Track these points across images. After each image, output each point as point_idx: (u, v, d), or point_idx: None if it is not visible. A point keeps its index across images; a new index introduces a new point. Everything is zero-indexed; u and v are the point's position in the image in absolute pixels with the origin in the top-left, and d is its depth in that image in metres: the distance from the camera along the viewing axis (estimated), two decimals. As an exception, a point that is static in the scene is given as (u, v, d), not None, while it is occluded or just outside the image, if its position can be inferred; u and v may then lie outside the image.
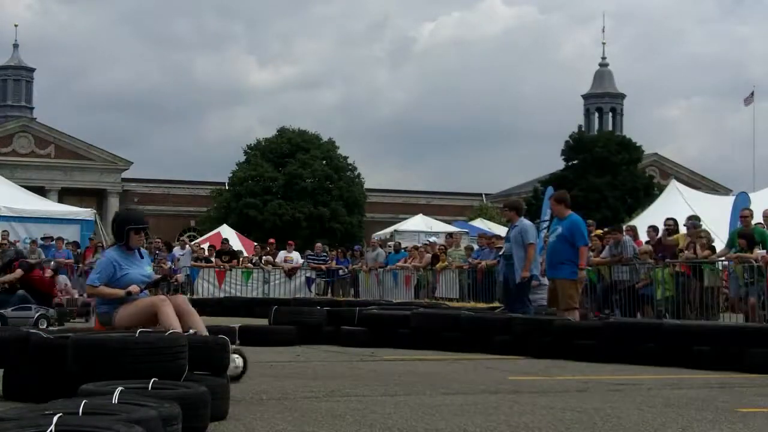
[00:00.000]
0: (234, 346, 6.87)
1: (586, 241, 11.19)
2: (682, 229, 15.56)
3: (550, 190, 22.05)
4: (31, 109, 59.31)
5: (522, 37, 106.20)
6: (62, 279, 18.06)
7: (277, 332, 11.11)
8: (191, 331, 6.44)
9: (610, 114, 63.34)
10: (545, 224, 16.21)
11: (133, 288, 7.02)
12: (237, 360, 6.74)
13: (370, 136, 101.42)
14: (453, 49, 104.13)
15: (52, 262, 19.01)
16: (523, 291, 11.38)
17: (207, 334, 6.78)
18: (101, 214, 41.87)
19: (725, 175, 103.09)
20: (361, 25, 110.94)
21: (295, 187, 48.96)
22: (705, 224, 16.16)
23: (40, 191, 41.88)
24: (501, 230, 23.13)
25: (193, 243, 27.27)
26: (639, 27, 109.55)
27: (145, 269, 7.31)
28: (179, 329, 6.50)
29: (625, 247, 15.02)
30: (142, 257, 7.35)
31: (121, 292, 6.99)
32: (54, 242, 22.27)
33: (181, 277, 6.43)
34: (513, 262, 11.35)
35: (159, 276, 7.67)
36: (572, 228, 10.94)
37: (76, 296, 17.13)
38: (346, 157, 52.89)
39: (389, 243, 25.26)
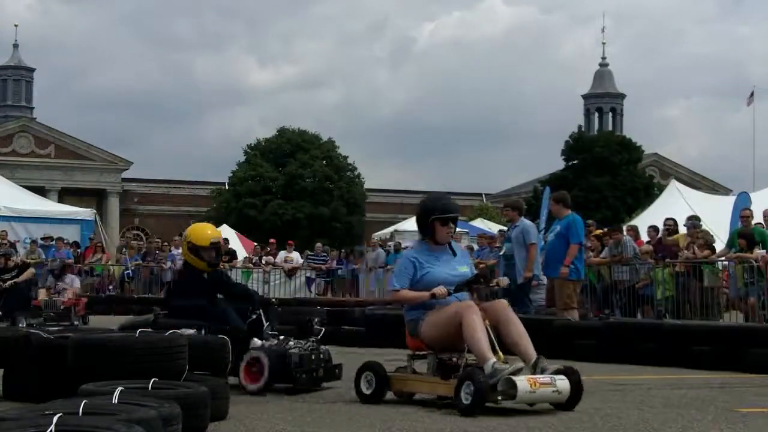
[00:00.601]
0: (558, 365, 5.63)
1: (579, 240, 11.09)
2: (682, 229, 15.57)
3: (547, 191, 22.06)
4: (31, 109, 59.21)
5: (522, 37, 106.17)
6: (69, 279, 17.62)
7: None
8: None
9: (610, 114, 63.26)
10: (543, 227, 16.19)
11: (438, 290, 5.80)
12: (558, 383, 5.42)
13: (370, 136, 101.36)
14: (453, 49, 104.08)
15: (57, 261, 18.91)
16: (524, 291, 11.37)
17: (532, 350, 5.60)
18: (101, 214, 41.94)
19: (725, 175, 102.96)
20: (361, 25, 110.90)
21: (295, 187, 48.92)
22: (705, 224, 16.16)
23: (40, 191, 41.85)
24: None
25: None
26: (639, 27, 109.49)
27: (457, 268, 6.04)
28: (485, 344, 5.50)
29: (625, 247, 15.00)
30: (454, 254, 6.11)
31: (425, 295, 5.86)
32: (54, 242, 22.27)
33: (504, 281, 5.28)
34: (514, 262, 11.33)
35: (471, 276, 6.12)
36: (569, 226, 10.92)
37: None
38: (346, 157, 52.85)
39: (389, 243, 25.24)
